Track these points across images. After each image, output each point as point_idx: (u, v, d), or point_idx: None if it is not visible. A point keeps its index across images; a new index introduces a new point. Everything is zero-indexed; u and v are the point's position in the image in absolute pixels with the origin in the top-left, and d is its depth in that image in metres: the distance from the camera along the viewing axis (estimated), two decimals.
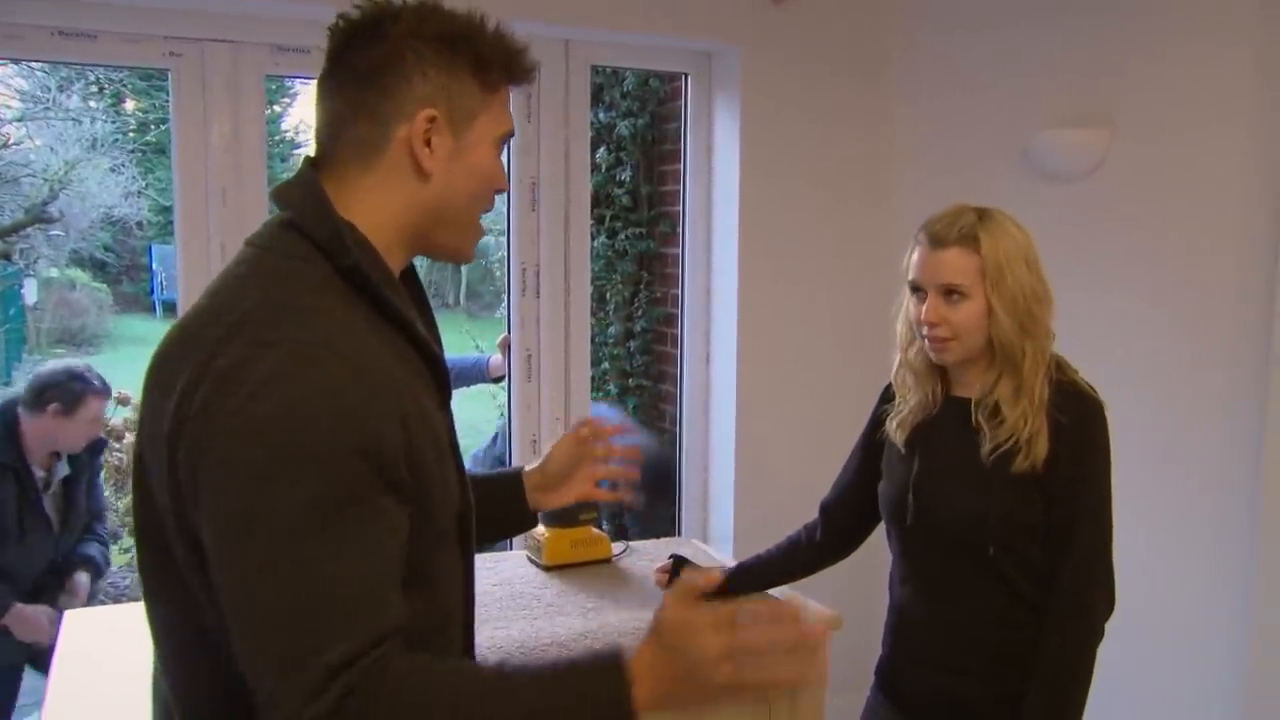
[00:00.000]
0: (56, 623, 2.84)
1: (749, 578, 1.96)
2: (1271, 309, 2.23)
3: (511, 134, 1.17)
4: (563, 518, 2.15)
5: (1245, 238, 2.30)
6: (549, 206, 2.98)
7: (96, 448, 3.18)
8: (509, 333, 3.05)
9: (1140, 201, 2.53)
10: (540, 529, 2.16)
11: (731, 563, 2.08)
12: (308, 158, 1.13)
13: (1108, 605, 1.63)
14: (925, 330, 1.64)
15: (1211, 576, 2.40)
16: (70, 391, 2.96)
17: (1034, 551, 1.60)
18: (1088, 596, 1.59)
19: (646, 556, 2.22)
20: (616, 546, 2.22)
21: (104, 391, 3.07)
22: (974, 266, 1.59)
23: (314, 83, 1.14)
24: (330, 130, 1.10)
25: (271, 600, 0.91)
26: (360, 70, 1.07)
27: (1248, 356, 2.30)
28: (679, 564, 1.99)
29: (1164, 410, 2.47)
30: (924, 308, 1.63)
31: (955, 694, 1.69)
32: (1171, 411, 2.46)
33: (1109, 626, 1.62)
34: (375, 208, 1.08)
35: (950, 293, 1.60)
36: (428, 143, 1.07)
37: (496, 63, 1.11)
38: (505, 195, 2.98)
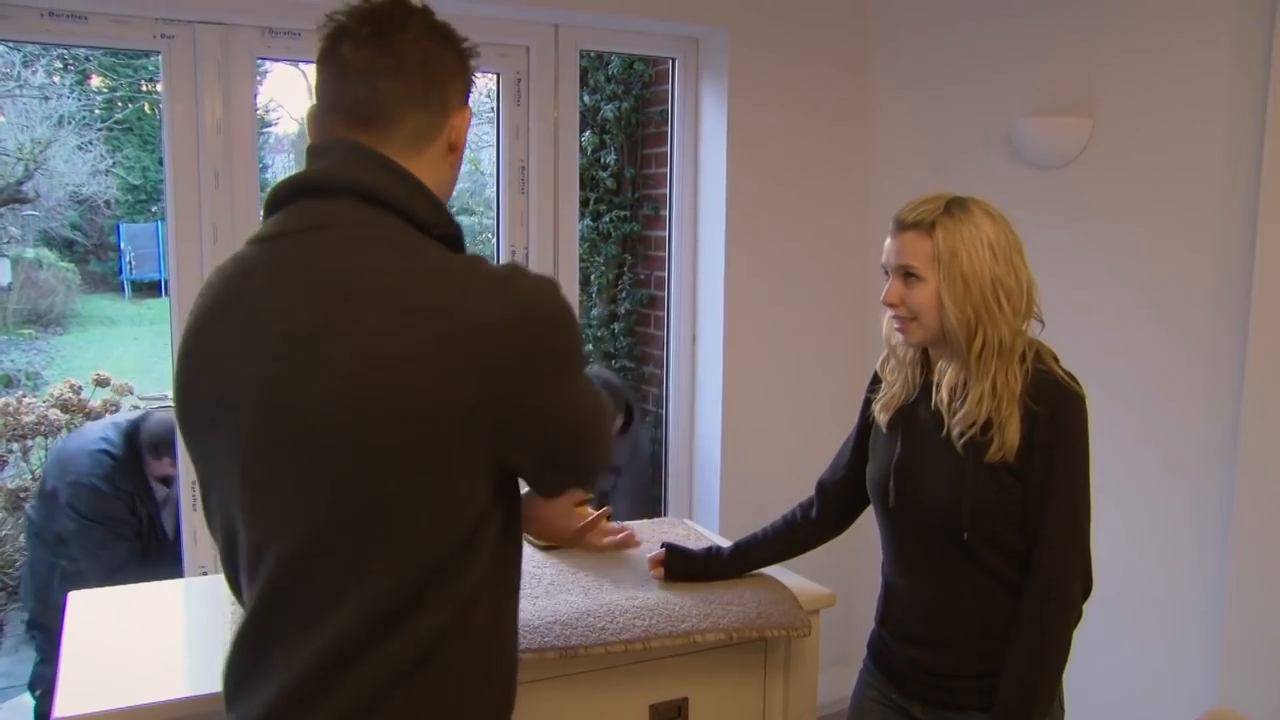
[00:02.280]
0: None
1: (747, 557, 2.01)
2: (1248, 298, 2.29)
3: None
4: None
5: (1223, 228, 2.36)
6: (538, 190, 3.00)
7: None
8: None
9: (1120, 190, 2.58)
10: None
11: (725, 543, 2.12)
12: (345, 140, 1.17)
13: (1084, 589, 1.67)
14: (889, 311, 1.71)
15: (1188, 559, 2.47)
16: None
17: (1010, 536, 1.64)
18: (1061, 581, 1.62)
19: (640, 536, 2.25)
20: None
21: None
22: (927, 250, 1.63)
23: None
24: (379, 113, 1.17)
25: (593, 418, 1.23)
26: (416, 62, 1.17)
27: (1225, 344, 2.36)
28: (671, 556, 2.02)
29: (1141, 397, 2.52)
30: (886, 288, 1.70)
31: (940, 668, 1.74)
32: (1149, 398, 2.52)
33: (1089, 608, 1.68)
34: None
35: (907, 275, 1.66)
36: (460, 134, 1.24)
37: (472, 72, 1.29)
38: (495, 177, 3.03)
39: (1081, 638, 1.65)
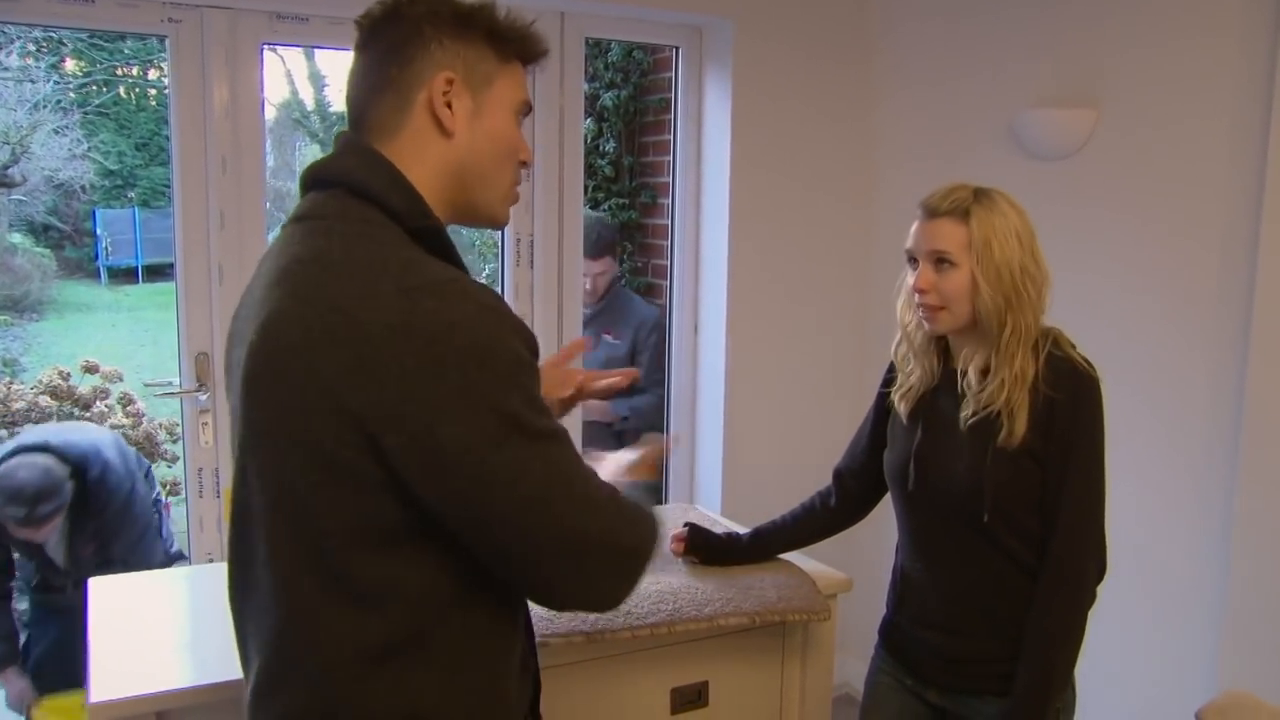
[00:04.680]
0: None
1: (766, 545, 2.03)
2: (1252, 288, 2.33)
3: (529, 106, 1.27)
4: None
5: (1227, 218, 2.39)
6: (544, 177, 3.00)
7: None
8: None
9: (1124, 182, 2.61)
10: None
11: (738, 528, 2.15)
12: (342, 133, 1.21)
13: (1099, 572, 1.70)
14: (917, 298, 1.72)
15: (1190, 544, 2.51)
16: (15, 516, 2.69)
17: (1029, 519, 1.67)
18: (1076, 563, 1.66)
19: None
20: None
21: (57, 510, 2.74)
22: (962, 237, 1.66)
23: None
24: (360, 109, 1.19)
25: (543, 486, 1.06)
26: (383, 50, 1.17)
27: (1228, 333, 2.40)
28: (694, 532, 2.04)
29: (1145, 386, 2.56)
30: (916, 275, 1.71)
31: (954, 653, 1.76)
32: (1153, 387, 2.55)
33: (1101, 597, 1.70)
34: (409, 173, 1.15)
35: (940, 261, 1.67)
36: (448, 104, 1.16)
37: (509, 35, 1.21)
38: None
39: (1091, 620, 1.68)
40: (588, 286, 3.34)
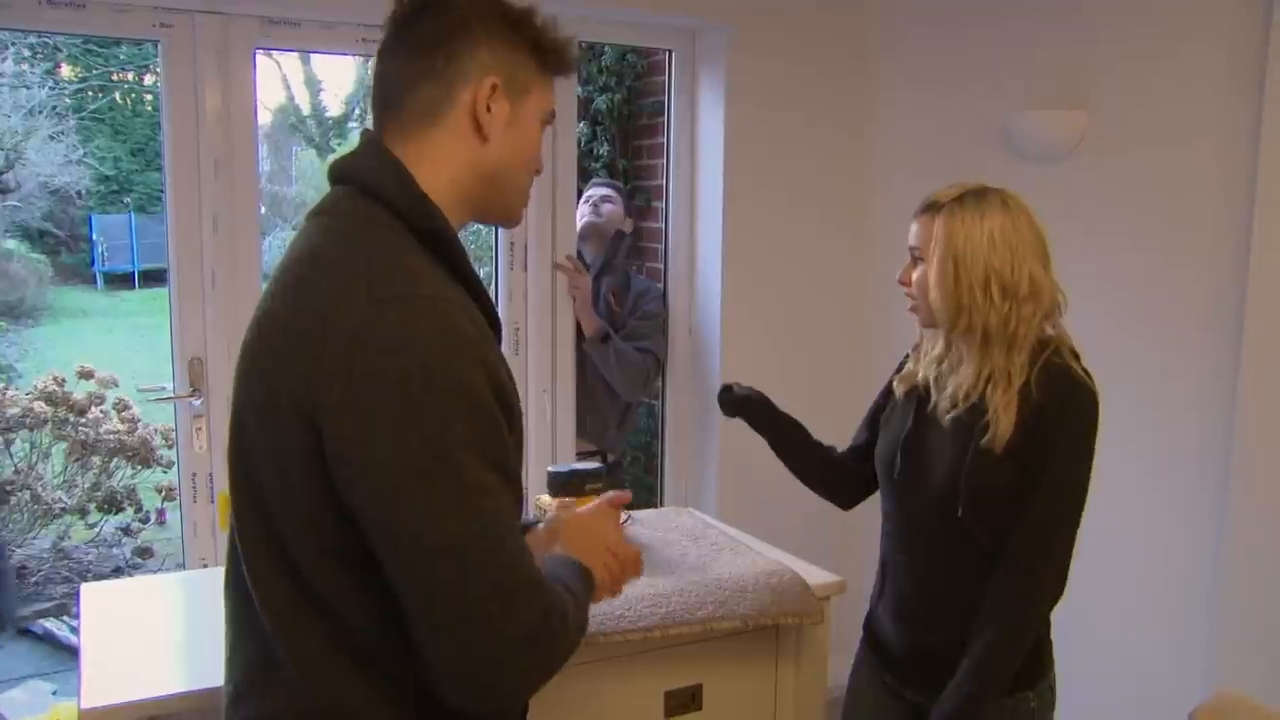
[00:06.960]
0: None
1: (784, 428, 2.13)
2: (1244, 291, 2.33)
3: (554, 114, 1.27)
4: (569, 488, 2.19)
5: (1219, 220, 2.39)
6: (538, 181, 2.98)
7: None
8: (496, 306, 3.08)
9: (1117, 183, 2.61)
10: (547, 499, 2.21)
11: (736, 532, 2.15)
12: (366, 130, 1.21)
13: (1056, 582, 1.66)
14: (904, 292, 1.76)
15: (1183, 550, 2.51)
16: None
17: (1008, 521, 1.67)
18: (1037, 563, 1.65)
19: (649, 526, 2.27)
20: (620, 516, 2.26)
21: None
22: (928, 234, 1.69)
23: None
24: (393, 95, 1.18)
25: (455, 539, 0.99)
26: (427, 38, 1.16)
27: (1220, 336, 2.40)
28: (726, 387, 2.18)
29: (1137, 389, 2.55)
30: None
31: (929, 646, 1.77)
32: (1145, 390, 2.55)
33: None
34: (437, 168, 1.16)
35: (915, 257, 1.72)
36: (489, 108, 1.15)
37: (552, 48, 1.21)
38: None
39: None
40: (584, 213, 3.25)
